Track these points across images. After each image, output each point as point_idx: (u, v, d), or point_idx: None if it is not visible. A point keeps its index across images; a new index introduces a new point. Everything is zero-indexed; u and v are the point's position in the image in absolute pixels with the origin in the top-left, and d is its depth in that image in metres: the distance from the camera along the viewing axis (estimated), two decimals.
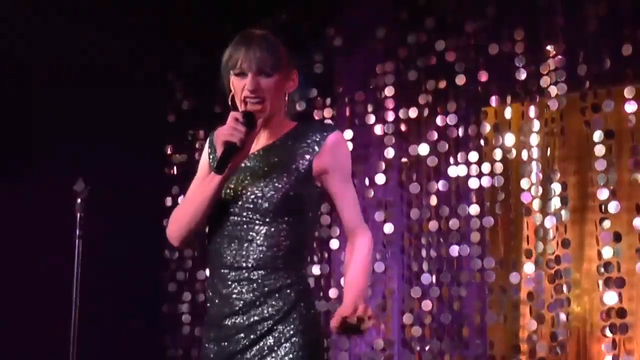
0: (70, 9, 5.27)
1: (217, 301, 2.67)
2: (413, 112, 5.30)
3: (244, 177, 2.67)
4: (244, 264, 2.63)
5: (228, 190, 2.67)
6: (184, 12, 5.78)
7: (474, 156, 5.11)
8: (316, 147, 2.68)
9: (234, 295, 2.63)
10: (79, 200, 4.27)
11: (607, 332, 4.65)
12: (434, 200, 5.19)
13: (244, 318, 2.62)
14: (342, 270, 5.18)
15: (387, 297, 5.21)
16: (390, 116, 5.36)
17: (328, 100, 5.62)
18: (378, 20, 5.46)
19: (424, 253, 5.18)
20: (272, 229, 2.63)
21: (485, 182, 5.07)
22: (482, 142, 5.14)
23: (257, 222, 2.63)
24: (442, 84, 5.24)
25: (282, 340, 2.59)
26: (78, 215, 4.27)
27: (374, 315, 2.49)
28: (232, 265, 2.64)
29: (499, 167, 5.06)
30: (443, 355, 5.05)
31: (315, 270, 5.40)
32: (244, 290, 2.62)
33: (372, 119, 5.42)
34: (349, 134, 5.42)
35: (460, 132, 5.18)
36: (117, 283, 5.28)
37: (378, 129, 5.39)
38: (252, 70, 2.63)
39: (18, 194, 5.05)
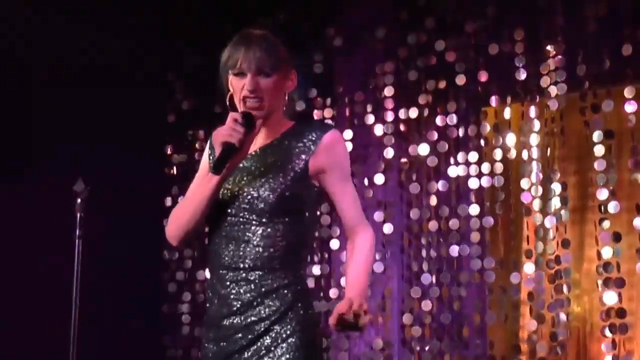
0: (70, 9, 5.27)
1: (216, 301, 2.67)
2: (413, 112, 5.30)
3: (240, 178, 2.67)
4: (242, 265, 2.62)
5: (225, 191, 2.67)
6: (184, 12, 5.78)
7: (474, 156, 5.11)
8: (312, 147, 2.67)
9: (232, 296, 2.63)
10: (79, 200, 4.27)
11: (607, 332, 4.64)
12: (433, 201, 5.19)
13: (242, 318, 2.62)
14: (342, 270, 5.19)
15: (386, 297, 5.21)
16: (390, 116, 5.36)
17: (328, 100, 5.62)
18: (378, 20, 5.45)
19: (423, 253, 5.17)
20: (269, 230, 2.62)
21: (485, 182, 5.06)
22: (482, 142, 5.14)
23: (253, 222, 2.63)
24: (442, 84, 5.24)
25: (279, 341, 2.59)
26: (78, 215, 4.27)
27: (369, 309, 2.48)
28: (229, 266, 2.64)
29: (499, 167, 5.05)
30: (443, 355, 5.04)
31: (316, 270, 5.39)
32: (241, 291, 2.62)
33: (371, 119, 5.42)
34: (348, 134, 5.42)
35: (460, 132, 5.17)
36: (117, 283, 5.28)
37: (378, 129, 5.38)
38: (251, 70, 2.62)
39: (18, 194, 5.06)
